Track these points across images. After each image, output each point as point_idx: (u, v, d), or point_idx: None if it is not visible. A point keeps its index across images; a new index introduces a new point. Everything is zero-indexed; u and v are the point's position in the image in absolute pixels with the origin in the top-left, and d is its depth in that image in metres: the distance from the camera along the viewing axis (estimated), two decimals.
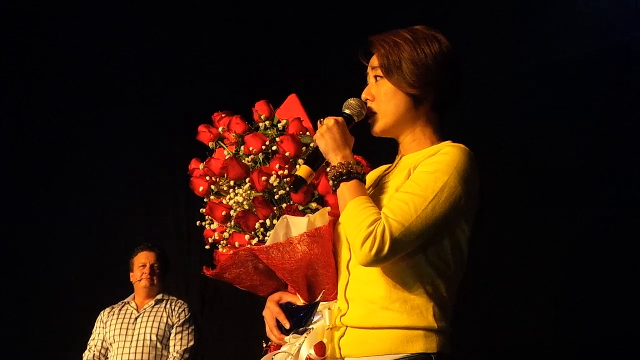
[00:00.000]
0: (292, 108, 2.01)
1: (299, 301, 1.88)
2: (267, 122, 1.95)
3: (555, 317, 3.90)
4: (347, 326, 1.79)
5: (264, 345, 1.96)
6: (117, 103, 5.54)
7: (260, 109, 1.98)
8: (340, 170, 1.76)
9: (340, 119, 1.82)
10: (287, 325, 1.87)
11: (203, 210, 1.94)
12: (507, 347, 3.99)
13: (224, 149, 1.95)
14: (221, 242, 1.90)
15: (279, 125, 1.95)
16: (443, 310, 1.76)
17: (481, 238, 2.02)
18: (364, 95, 1.88)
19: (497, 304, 3.99)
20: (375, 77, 1.87)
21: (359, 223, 1.68)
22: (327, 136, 1.79)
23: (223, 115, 1.99)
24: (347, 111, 1.85)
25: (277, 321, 1.89)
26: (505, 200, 3.82)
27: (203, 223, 1.96)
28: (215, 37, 5.27)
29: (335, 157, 1.78)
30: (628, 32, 3.79)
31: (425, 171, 1.74)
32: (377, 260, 1.67)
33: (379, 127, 1.87)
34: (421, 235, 1.70)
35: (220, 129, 1.95)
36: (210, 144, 1.99)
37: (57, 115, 5.63)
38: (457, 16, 4.21)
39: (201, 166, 1.93)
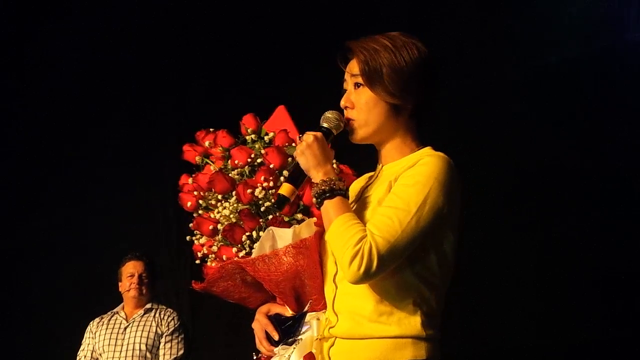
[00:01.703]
0: (280, 120, 2.01)
1: (288, 312, 1.89)
2: (253, 135, 1.94)
3: (542, 320, 3.92)
4: (335, 337, 1.79)
5: (254, 357, 1.96)
6: (108, 112, 5.53)
7: (248, 122, 1.98)
8: (323, 187, 1.75)
9: (319, 134, 1.81)
10: (275, 337, 1.87)
11: (192, 225, 1.93)
12: (498, 350, 4.00)
13: (210, 165, 1.95)
14: (210, 256, 1.89)
15: (266, 138, 1.94)
16: (430, 318, 1.76)
17: (468, 242, 2.02)
18: (343, 103, 1.85)
19: (485, 307, 4.00)
20: (356, 84, 1.84)
21: (345, 241, 1.68)
22: (307, 153, 1.78)
23: (206, 132, 1.98)
24: (325, 125, 1.83)
25: (266, 333, 1.89)
26: (490, 204, 3.83)
27: (193, 238, 1.95)
28: (207, 46, 5.26)
29: (317, 174, 1.77)
30: (614, 36, 3.81)
31: (406, 184, 1.73)
32: (365, 278, 1.67)
33: (360, 135, 1.85)
34: (407, 249, 1.70)
35: (207, 144, 1.94)
36: (197, 159, 1.98)
37: (47, 124, 5.60)
38: (444, 20, 4.22)
39: (190, 181, 1.92)
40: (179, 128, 4.95)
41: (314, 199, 1.77)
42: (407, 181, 1.73)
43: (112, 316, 4.52)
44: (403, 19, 4.23)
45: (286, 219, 1.88)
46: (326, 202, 1.75)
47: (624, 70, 3.85)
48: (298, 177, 1.81)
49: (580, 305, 3.81)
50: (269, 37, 4.93)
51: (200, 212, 1.91)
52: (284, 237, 1.81)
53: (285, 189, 1.79)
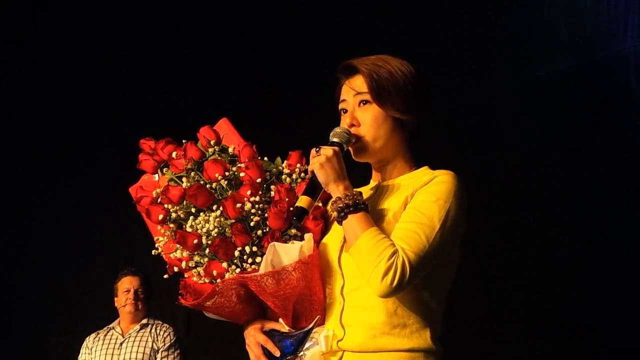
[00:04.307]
0: (226, 133, 1.99)
1: (284, 328, 1.88)
2: (216, 148, 1.94)
3: (544, 329, 3.91)
4: (344, 350, 1.81)
5: None
6: (100, 122, 5.53)
7: (207, 134, 1.96)
8: (346, 202, 1.77)
9: (337, 149, 1.82)
10: (277, 353, 1.86)
11: (161, 240, 1.91)
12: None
13: (170, 175, 1.93)
14: (193, 270, 1.88)
15: (229, 150, 1.94)
16: (437, 331, 1.82)
17: (473, 255, 2.04)
18: (349, 121, 1.87)
19: (486, 317, 4.00)
20: (362, 102, 1.87)
21: (376, 256, 1.71)
22: (327, 167, 1.79)
23: (166, 142, 1.96)
24: (336, 140, 1.85)
25: (263, 349, 1.88)
26: (488, 214, 3.83)
27: (158, 252, 1.94)
28: (200, 50, 5.27)
29: (337, 188, 1.79)
30: (606, 48, 3.83)
31: (428, 200, 1.78)
32: (396, 291, 1.71)
33: (370, 152, 1.88)
34: (432, 263, 1.76)
35: (173, 155, 1.93)
36: (168, 172, 1.95)
37: (38, 132, 5.59)
38: (436, 33, 4.24)
39: (154, 193, 1.91)
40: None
41: (336, 213, 1.78)
42: (429, 197, 1.78)
43: (108, 331, 4.52)
44: (391, 35, 4.26)
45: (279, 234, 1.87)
46: (350, 216, 1.77)
47: (617, 81, 3.86)
48: (314, 190, 1.81)
49: (585, 315, 3.79)
50: (264, 46, 4.95)
51: (171, 225, 1.89)
52: (290, 252, 1.80)
53: (303, 201, 1.79)
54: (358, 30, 4.46)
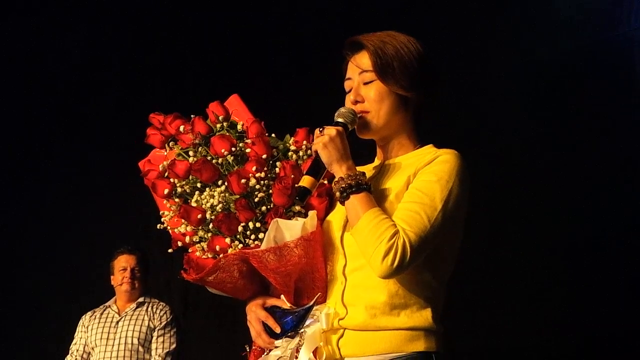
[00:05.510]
0: (236, 109, 1.98)
1: (285, 305, 1.88)
2: (225, 124, 1.92)
3: (546, 318, 3.92)
4: (345, 328, 1.82)
5: (247, 349, 1.95)
6: (98, 102, 5.51)
7: (216, 110, 1.94)
8: (349, 182, 1.77)
9: (340, 129, 1.82)
10: (277, 329, 1.87)
11: (167, 214, 1.90)
12: (499, 348, 4.01)
13: (178, 149, 1.92)
14: (197, 245, 1.88)
15: (238, 126, 1.93)
16: (438, 312, 1.82)
17: (476, 239, 2.03)
18: (353, 97, 1.88)
19: (488, 304, 4.01)
20: (366, 79, 1.87)
21: (377, 237, 1.71)
22: (330, 147, 1.79)
23: (174, 117, 1.95)
24: (340, 120, 1.85)
25: (264, 325, 1.89)
26: (494, 204, 3.83)
27: (163, 225, 1.93)
28: (196, 43, 5.26)
29: (339, 168, 1.79)
30: (606, 30, 3.82)
31: (429, 180, 1.78)
32: (397, 272, 1.72)
33: (372, 128, 1.88)
34: (433, 243, 1.75)
35: (181, 129, 1.91)
36: (174, 146, 1.93)
37: (35, 115, 5.57)
38: (433, 16, 4.23)
39: (161, 167, 1.90)
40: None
41: (338, 193, 1.78)
42: (430, 177, 1.78)
43: (104, 310, 4.51)
44: (394, 18, 4.25)
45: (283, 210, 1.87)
46: (352, 196, 1.77)
47: (616, 65, 3.86)
48: (318, 169, 1.81)
49: (586, 305, 3.81)
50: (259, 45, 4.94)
51: (176, 199, 1.88)
52: (292, 229, 1.80)
53: (306, 181, 1.80)
54: (360, 12, 4.44)
